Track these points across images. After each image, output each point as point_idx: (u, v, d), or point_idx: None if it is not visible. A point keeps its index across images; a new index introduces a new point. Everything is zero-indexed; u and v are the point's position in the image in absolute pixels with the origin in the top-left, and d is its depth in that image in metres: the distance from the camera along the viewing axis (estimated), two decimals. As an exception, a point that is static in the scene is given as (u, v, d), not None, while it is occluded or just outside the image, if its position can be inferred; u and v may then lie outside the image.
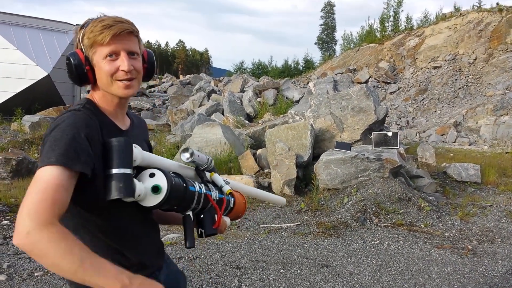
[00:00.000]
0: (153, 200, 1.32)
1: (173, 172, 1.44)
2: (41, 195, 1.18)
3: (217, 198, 1.59)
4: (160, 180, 1.32)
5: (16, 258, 4.56)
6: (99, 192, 1.31)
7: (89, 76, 1.44)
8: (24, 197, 1.20)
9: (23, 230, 1.15)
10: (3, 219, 5.70)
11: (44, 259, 1.16)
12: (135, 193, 1.26)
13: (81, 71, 1.43)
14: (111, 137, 1.37)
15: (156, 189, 1.30)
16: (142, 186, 1.30)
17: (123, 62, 1.42)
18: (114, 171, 1.23)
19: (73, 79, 1.46)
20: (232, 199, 1.70)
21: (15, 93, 14.21)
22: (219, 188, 1.65)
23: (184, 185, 1.40)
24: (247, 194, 1.96)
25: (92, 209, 1.37)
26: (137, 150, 1.32)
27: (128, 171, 1.25)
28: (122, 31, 1.41)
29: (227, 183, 1.70)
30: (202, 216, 1.54)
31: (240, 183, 1.92)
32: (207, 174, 1.68)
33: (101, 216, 1.39)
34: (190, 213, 1.50)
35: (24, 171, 8.17)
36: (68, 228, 1.23)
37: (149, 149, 1.67)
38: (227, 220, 1.73)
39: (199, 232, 1.55)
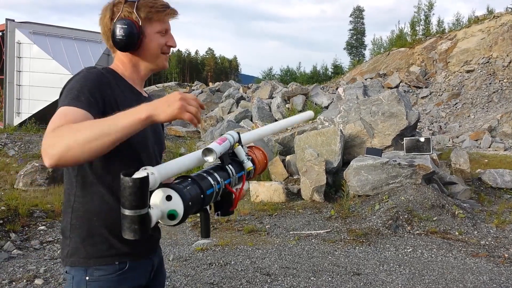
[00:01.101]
0: (169, 223, 1.27)
1: (191, 178, 1.35)
2: (57, 119, 1.29)
3: (237, 177, 1.51)
4: (177, 205, 1.24)
5: (52, 263, 4.69)
6: (117, 151, 1.35)
7: (138, 44, 1.56)
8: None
9: (44, 148, 1.20)
10: (39, 225, 5.87)
11: (73, 150, 1.17)
12: (149, 230, 1.19)
13: (133, 39, 1.53)
14: (127, 94, 1.56)
15: (172, 217, 1.25)
16: (159, 211, 1.23)
17: (171, 39, 1.64)
18: (127, 212, 1.15)
19: (121, 43, 1.53)
20: (253, 167, 1.59)
21: (50, 102, 14.63)
22: (240, 164, 1.54)
23: (202, 195, 1.33)
24: (272, 133, 1.95)
25: (105, 164, 1.47)
26: (153, 178, 1.21)
27: (143, 211, 1.16)
28: (176, 15, 1.65)
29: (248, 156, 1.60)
30: (219, 199, 1.47)
31: (260, 129, 1.81)
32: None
33: (111, 174, 1.47)
34: (207, 206, 1.43)
35: (60, 178, 8.40)
36: (82, 185, 1.47)
37: (162, 126, 1.83)
38: (245, 187, 1.67)
39: (216, 214, 1.51)
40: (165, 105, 1.23)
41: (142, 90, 1.72)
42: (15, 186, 8.14)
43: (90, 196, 1.49)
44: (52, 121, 1.30)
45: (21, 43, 15.37)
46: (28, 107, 15.30)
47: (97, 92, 1.43)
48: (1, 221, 5.54)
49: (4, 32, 15.73)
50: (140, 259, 1.59)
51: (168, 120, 1.25)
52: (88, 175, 1.49)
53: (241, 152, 1.54)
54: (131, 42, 1.54)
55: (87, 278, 1.47)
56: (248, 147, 1.67)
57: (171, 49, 1.71)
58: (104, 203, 1.49)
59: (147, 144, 1.59)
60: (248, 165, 1.55)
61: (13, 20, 15.83)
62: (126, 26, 1.52)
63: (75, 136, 1.18)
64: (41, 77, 15.04)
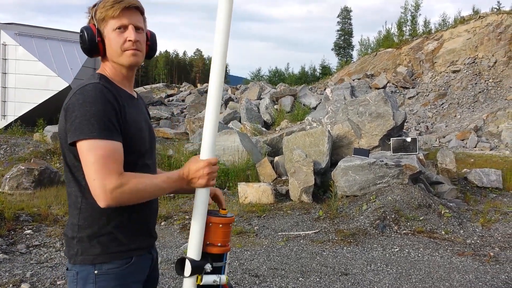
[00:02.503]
0: None
1: None
2: (104, 161, 1.44)
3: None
4: None
5: (39, 267, 4.65)
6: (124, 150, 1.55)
7: (99, 47, 1.62)
8: (85, 166, 1.47)
9: (102, 192, 1.44)
10: (26, 228, 5.82)
11: (133, 201, 1.51)
12: None
13: (93, 42, 1.61)
14: (127, 101, 1.63)
15: None
16: None
17: (130, 33, 1.61)
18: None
19: (85, 50, 1.64)
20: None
21: (37, 104, 14.50)
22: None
23: None
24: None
25: None
26: None
27: None
28: (130, 5, 1.62)
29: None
30: None
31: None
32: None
33: None
34: None
35: (46, 181, 8.33)
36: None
37: (149, 116, 1.87)
38: None
39: None
40: (197, 175, 1.58)
41: (132, 90, 1.75)
42: (0, 190, 8.05)
43: None
44: (99, 159, 1.44)
45: (7, 45, 15.20)
46: (14, 110, 15.12)
47: (113, 114, 1.52)
48: (-13, 226, 5.47)
49: (-11, 33, 15.51)
50: (143, 254, 1.69)
51: (201, 186, 1.61)
52: None
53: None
54: (92, 48, 1.63)
55: (95, 272, 1.56)
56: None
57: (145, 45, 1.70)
58: None
59: (147, 143, 1.71)
60: (223, 280, 1.67)
61: (-2, 21, 15.61)
62: (82, 33, 1.62)
63: (139, 196, 1.52)
64: (27, 79, 14.88)
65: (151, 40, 1.76)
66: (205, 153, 1.60)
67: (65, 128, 1.53)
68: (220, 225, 1.63)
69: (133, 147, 1.60)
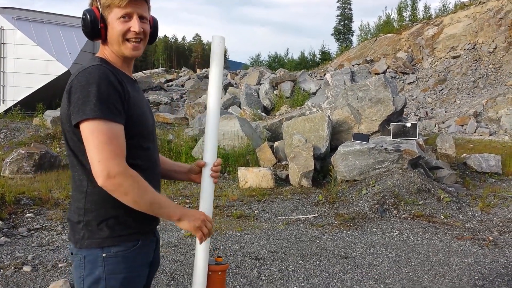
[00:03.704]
0: None
1: None
2: (109, 144, 1.44)
3: None
4: None
5: (40, 250, 4.68)
6: (127, 132, 1.54)
7: (101, 33, 1.60)
8: (89, 148, 1.46)
9: (105, 173, 1.44)
10: (27, 212, 5.84)
11: (126, 197, 1.49)
12: None
13: (95, 27, 1.59)
14: (129, 85, 1.61)
15: None
16: None
17: (134, 24, 1.59)
18: None
19: (87, 34, 1.62)
20: None
21: (36, 89, 14.46)
22: None
23: None
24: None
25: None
26: None
27: None
28: None
29: None
30: None
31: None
32: None
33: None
34: None
35: (46, 165, 8.34)
36: None
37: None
38: None
39: None
40: (191, 218, 1.62)
41: (131, 74, 1.74)
42: (1, 174, 8.07)
43: None
44: (104, 141, 1.44)
45: (5, 29, 15.09)
46: (13, 94, 15.08)
47: (117, 96, 1.51)
48: (-12, 209, 5.50)
49: (-14, 17, 15.37)
50: (149, 236, 1.71)
51: (186, 228, 1.64)
52: None
53: None
54: (93, 32, 1.60)
55: (104, 255, 1.56)
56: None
57: (148, 35, 1.69)
58: None
59: (150, 126, 1.71)
60: None
61: (-4, 6, 15.45)
62: (85, 16, 1.59)
63: (136, 194, 1.50)
64: (26, 64, 14.80)
65: (153, 27, 1.75)
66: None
67: (68, 111, 1.52)
68: (219, 273, 1.75)
69: (137, 129, 1.59)
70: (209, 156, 1.80)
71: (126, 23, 1.59)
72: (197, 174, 1.88)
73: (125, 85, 1.57)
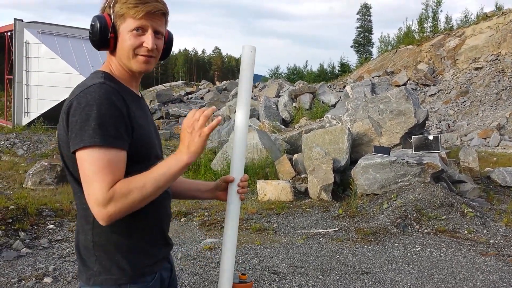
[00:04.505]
0: None
1: None
2: (101, 173, 1.28)
3: None
4: None
5: (61, 261, 4.72)
6: (130, 156, 1.38)
7: (110, 43, 1.45)
8: (82, 178, 1.31)
9: (95, 205, 1.28)
10: (48, 224, 5.91)
11: (135, 206, 1.32)
12: None
13: (104, 36, 1.43)
14: (132, 103, 1.44)
15: None
16: None
17: (148, 39, 1.43)
18: None
19: (93, 42, 1.46)
20: None
21: (59, 102, 14.75)
22: None
23: None
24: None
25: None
26: None
27: None
28: (157, 10, 1.44)
29: None
30: None
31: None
32: None
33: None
34: None
35: (68, 177, 8.44)
36: None
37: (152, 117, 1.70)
38: None
39: None
40: (190, 142, 1.37)
41: (137, 90, 1.59)
42: (24, 185, 8.21)
43: None
44: (96, 171, 1.29)
45: (30, 43, 15.49)
46: (37, 107, 15.42)
47: (120, 119, 1.35)
48: (10, 220, 5.58)
49: (13, 32, 15.81)
50: (163, 264, 1.58)
51: (202, 151, 1.40)
52: None
53: None
54: (101, 40, 1.44)
55: None
56: None
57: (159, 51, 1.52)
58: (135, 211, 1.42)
59: (156, 147, 1.57)
60: None
61: (22, 20, 15.93)
62: (94, 23, 1.43)
63: (134, 202, 1.31)
64: (49, 77, 15.15)
65: (168, 43, 1.59)
66: (236, 172, 1.66)
67: (66, 135, 1.37)
68: None
69: (143, 154, 1.45)
70: (236, 171, 1.67)
71: (139, 37, 1.43)
72: (224, 190, 1.73)
73: (131, 105, 1.42)
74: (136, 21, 1.42)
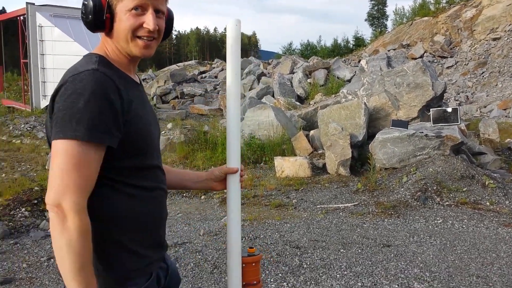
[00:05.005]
0: None
1: None
2: (74, 172, 1.16)
3: None
4: None
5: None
6: (125, 150, 1.27)
7: (106, 24, 1.30)
8: (52, 168, 1.18)
9: (55, 203, 1.16)
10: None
11: (58, 239, 1.16)
12: None
13: (99, 17, 1.28)
14: (129, 91, 1.31)
15: None
16: None
17: (149, 19, 1.29)
18: None
19: (87, 24, 1.31)
20: None
21: (75, 84, 14.85)
22: None
23: None
24: None
25: (121, 172, 1.31)
26: None
27: None
28: None
29: None
30: None
31: None
32: None
33: (129, 178, 1.33)
34: None
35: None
36: (102, 193, 1.26)
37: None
38: None
39: None
40: None
41: (135, 75, 1.45)
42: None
43: (109, 203, 1.31)
44: (68, 168, 1.16)
45: (43, 26, 15.52)
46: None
47: (110, 112, 1.21)
48: (36, 201, 5.70)
49: (26, 16, 15.86)
50: (159, 264, 1.48)
51: None
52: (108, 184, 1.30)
53: None
54: (96, 22, 1.29)
55: None
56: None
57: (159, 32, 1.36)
58: (130, 209, 1.33)
59: (155, 140, 1.45)
60: None
61: (33, 4, 15.93)
62: (86, 2, 1.29)
63: (69, 245, 1.15)
64: (64, 60, 15.19)
65: (168, 22, 1.44)
66: (235, 161, 1.59)
67: (50, 122, 1.25)
68: (253, 264, 1.65)
69: (139, 146, 1.33)
70: (234, 161, 1.59)
71: (139, 17, 1.28)
72: (219, 181, 1.66)
73: (127, 94, 1.28)
74: (134, 0, 1.27)
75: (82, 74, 1.21)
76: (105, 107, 1.19)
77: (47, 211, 5.11)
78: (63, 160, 1.16)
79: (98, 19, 1.28)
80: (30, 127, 12.04)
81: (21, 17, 17.04)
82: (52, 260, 4.25)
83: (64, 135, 1.16)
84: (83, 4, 1.30)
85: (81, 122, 1.16)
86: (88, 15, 1.28)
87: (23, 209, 5.43)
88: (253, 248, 1.67)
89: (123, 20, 1.28)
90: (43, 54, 15.58)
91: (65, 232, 1.15)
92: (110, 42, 1.34)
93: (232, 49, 1.55)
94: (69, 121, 1.16)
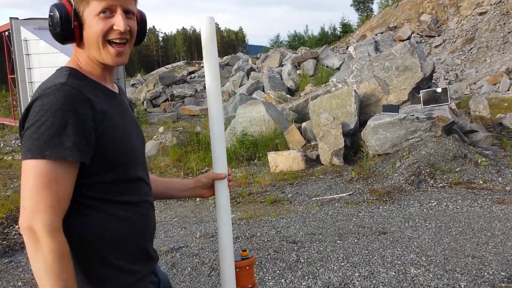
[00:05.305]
0: None
1: None
2: (45, 191, 1.13)
3: None
4: None
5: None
6: (101, 165, 1.23)
7: (75, 33, 1.25)
8: (23, 188, 1.15)
9: (26, 225, 1.12)
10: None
11: (34, 263, 1.13)
12: None
13: (66, 26, 1.23)
14: (104, 101, 1.26)
15: None
16: None
17: (119, 21, 1.24)
18: None
19: (56, 36, 1.27)
20: None
21: (64, 96, 14.79)
22: None
23: None
24: None
25: (99, 190, 1.26)
26: None
27: None
28: None
29: None
30: None
31: None
32: None
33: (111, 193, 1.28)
34: None
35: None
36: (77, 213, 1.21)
37: (132, 109, 1.52)
38: None
39: None
40: None
41: (113, 84, 1.40)
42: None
43: (90, 222, 1.25)
44: (38, 187, 1.12)
45: (28, 40, 15.43)
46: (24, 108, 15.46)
47: (80, 127, 1.16)
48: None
49: (10, 31, 15.77)
50: (150, 278, 1.43)
51: None
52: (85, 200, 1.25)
53: None
54: (64, 32, 1.24)
55: None
56: None
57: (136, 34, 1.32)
58: (107, 227, 1.27)
59: (136, 150, 1.38)
60: None
61: (17, 18, 15.83)
62: (52, 13, 1.24)
63: (47, 267, 1.12)
64: (51, 72, 14.92)
65: (141, 25, 1.40)
66: (222, 166, 1.57)
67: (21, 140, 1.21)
68: (247, 267, 1.61)
69: (118, 159, 1.27)
70: (221, 166, 1.56)
71: (108, 20, 1.24)
72: (208, 188, 1.64)
73: (100, 106, 1.23)
74: (101, 2, 1.22)
75: (49, 90, 1.16)
76: (73, 122, 1.14)
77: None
78: (32, 181, 1.12)
79: (67, 29, 1.24)
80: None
81: (6, 33, 16.95)
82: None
83: (32, 154, 1.12)
84: (49, 16, 1.25)
85: (49, 140, 1.12)
86: (56, 27, 1.24)
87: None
88: (246, 250, 1.63)
89: (92, 26, 1.23)
90: (30, 68, 15.50)
91: (39, 254, 1.12)
92: (82, 53, 1.30)
93: (208, 48, 1.49)
94: (37, 139, 1.12)
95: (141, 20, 1.41)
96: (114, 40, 1.26)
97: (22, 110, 14.78)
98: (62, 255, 1.14)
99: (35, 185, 1.12)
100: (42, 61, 15.34)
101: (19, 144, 12.08)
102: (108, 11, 1.24)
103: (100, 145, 1.21)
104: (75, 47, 1.31)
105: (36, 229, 1.11)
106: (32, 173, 1.12)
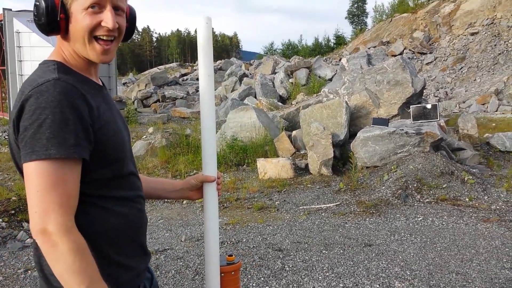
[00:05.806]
0: None
1: None
2: (52, 191, 1.10)
3: None
4: None
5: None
6: (99, 160, 1.21)
7: (61, 26, 1.21)
8: (28, 193, 1.12)
9: (39, 228, 1.10)
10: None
11: (55, 266, 1.11)
12: None
13: (52, 18, 1.19)
14: (95, 96, 1.23)
15: None
16: None
17: (107, 17, 1.20)
18: None
19: (40, 27, 1.21)
20: None
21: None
22: None
23: None
24: None
25: (99, 185, 1.24)
26: None
27: None
28: None
29: None
30: None
31: None
32: None
33: (105, 190, 1.27)
34: None
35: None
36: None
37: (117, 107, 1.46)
38: None
39: None
40: None
41: (97, 77, 1.36)
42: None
43: (90, 219, 1.23)
44: (45, 187, 1.09)
45: (20, 32, 15.27)
46: (14, 107, 15.29)
47: (80, 122, 1.14)
48: (13, 211, 5.59)
49: (3, 22, 15.61)
50: (145, 275, 1.45)
51: None
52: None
53: None
54: (49, 24, 1.20)
55: None
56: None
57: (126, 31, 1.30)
58: (106, 223, 1.26)
59: (126, 145, 1.36)
60: None
61: (10, 10, 15.67)
62: (38, 2, 1.19)
63: (69, 267, 1.10)
64: (42, 66, 14.98)
65: (130, 21, 1.36)
66: (211, 168, 1.56)
67: (16, 144, 1.17)
68: (232, 273, 1.60)
69: (113, 154, 1.25)
70: (211, 169, 1.55)
71: (96, 16, 1.20)
72: (196, 190, 1.63)
73: (93, 100, 1.20)
74: None
75: (43, 86, 1.12)
76: (74, 119, 1.11)
77: (25, 221, 4.98)
78: (39, 182, 1.09)
79: (52, 20, 1.19)
80: (7, 137, 11.82)
81: (-2, 24, 16.74)
82: (29, 272, 4.17)
83: (37, 156, 1.09)
84: (35, 5, 1.20)
85: (51, 138, 1.09)
86: (41, 17, 1.19)
87: (0, 219, 5.32)
88: (232, 256, 1.61)
89: (79, 20, 1.19)
90: (21, 61, 15.34)
91: (59, 256, 1.09)
92: (67, 46, 1.25)
93: (204, 49, 1.46)
94: (39, 139, 1.09)
95: (131, 16, 1.37)
96: (101, 37, 1.22)
97: (11, 103, 14.67)
98: (82, 252, 1.12)
99: (43, 186, 1.09)
100: (34, 54, 15.18)
101: (5, 136, 11.92)
102: (97, 6, 1.20)
103: (97, 141, 1.19)
104: (60, 39, 1.27)
105: (51, 230, 1.09)
106: (38, 174, 1.10)
